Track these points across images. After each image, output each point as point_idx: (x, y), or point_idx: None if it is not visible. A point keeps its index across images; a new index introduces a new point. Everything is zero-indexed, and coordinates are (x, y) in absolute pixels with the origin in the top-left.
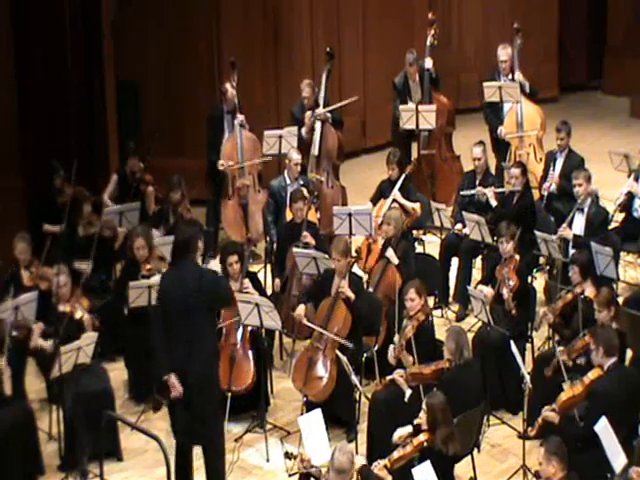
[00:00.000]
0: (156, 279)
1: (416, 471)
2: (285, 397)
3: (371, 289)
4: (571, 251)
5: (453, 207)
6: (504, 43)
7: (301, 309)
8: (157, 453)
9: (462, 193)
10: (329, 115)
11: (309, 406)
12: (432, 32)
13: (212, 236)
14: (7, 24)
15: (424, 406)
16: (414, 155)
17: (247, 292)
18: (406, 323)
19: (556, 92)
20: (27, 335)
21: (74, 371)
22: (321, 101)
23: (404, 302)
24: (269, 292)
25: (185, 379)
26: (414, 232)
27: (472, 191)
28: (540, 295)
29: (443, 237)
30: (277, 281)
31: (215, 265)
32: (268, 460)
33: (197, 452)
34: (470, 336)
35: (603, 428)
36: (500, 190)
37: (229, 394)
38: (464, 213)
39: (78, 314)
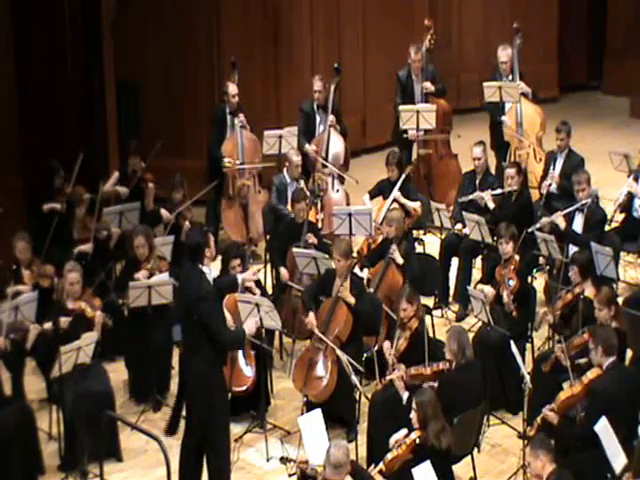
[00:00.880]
0: (156, 279)
1: (416, 471)
2: (285, 397)
3: (372, 289)
4: (571, 251)
5: (453, 207)
6: (504, 44)
7: (312, 317)
8: (157, 453)
9: (460, 200)
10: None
11: (309, 406)
12: (428, 37)
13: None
14: (7, 24)
15: (414, 405)
16: (414, 155)
17: (250, 286)
18: (398, 334)
19: (556, 92)
20: (24, 337)
21: (74, 371)
22: (329, 119)
23: (397, 312)
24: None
25: (185, 384)
26: (414, 232)
27: (470, 197)
28: (540, 295)
29: (443, 237)
30: (284, 269)
31: (215, 266)
32: (268, 460)
33: None
34: (470, 336)
35: (603, 428)
36: (498, 192)
37: (229, 394)
38: (464, 213)
39: (89, 312)
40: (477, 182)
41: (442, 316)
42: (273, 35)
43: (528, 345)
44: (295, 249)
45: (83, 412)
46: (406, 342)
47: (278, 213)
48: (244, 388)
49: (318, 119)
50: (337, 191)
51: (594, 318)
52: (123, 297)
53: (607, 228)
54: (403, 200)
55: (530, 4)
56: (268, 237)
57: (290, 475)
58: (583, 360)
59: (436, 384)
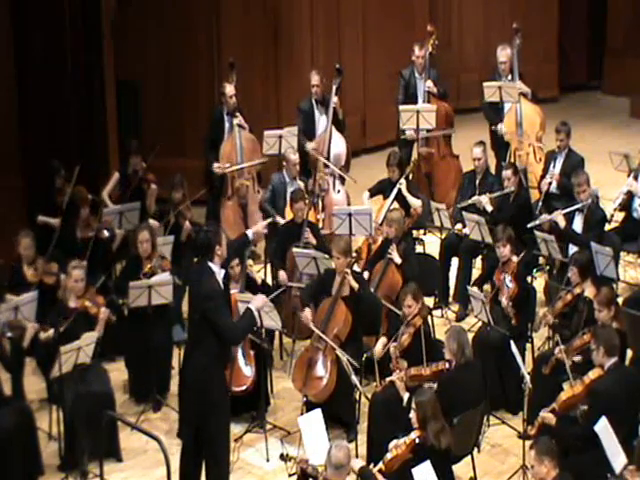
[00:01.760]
0: (156, 279)
1: (416, 471)
2: (285, 397)
3: (372, 289)
4: (571, 251)
5: (453, 207)
6: (503, 44)
7: (308, 312)
8: (157, 453)
9: (459, 206)
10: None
11: (309, 406)
12: (431, 42)
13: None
14: (7, 24)
15: (413, 405)
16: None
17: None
18: (402, 330)
19: (556, 92)
20: (22, 335)
21: (74, 371)
22: (330, 115)
23: (401, 307)
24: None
25: (184, 380)
26: (414, 232)
27: (468, 201)
28: (540, 295)
29: (443, 237)
30: (282, 272)
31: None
32: (268, 460)
33: None
34: (470, 336)
35: (603, 428)
36: (496, 194)
37: (229, 394)
38: (464, 213)
39: (93, 309)
40: (477, 182)
41: (442, 316)
42: (273, 35)
43: (528, 345)
44: (295, 249)
45: (83, 412)
46: (410, 338)
47: (266, 213)
48: (244, 388)
49: (317, 115)
50: (338, 191)
51: (594, 319)
52: (123, 297)
53: (607, 228)
54: (406, 193)
55: (530, 4)
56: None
57: (290, 475)
58: (577, 358)
59: (436, 385)
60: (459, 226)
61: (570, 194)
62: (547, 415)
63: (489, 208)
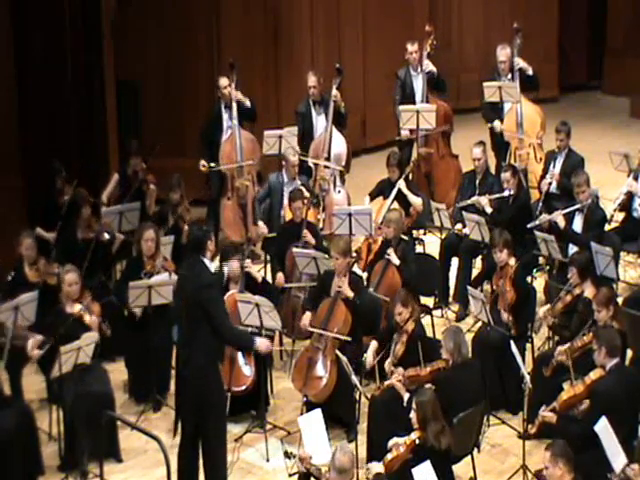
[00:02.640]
0: (156, 279)
1: (416, 471)
2: (285, 397)
3: (372, 290)
4: (571, 251)
5: (453, 207)
6: (503, 43)
7: (307, 317)
8: (157, 453)
9: (458, 205)
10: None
11: (309, 406)
12: (429, 42)
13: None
14: (7, 24)
15: (413, 405)
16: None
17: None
18: (396, 338)
19: (556, 92)
20: (24, 345)
21: (74, 371)
22: (330, 114)
23: (393, 317)
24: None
25: (184, 379)
26: (414, 232)
27: (468, 201)
28: (540, 295)
29: (443, 237)
30: (280, 274)
31: (213, 266)
32: (268, 460)
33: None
34: (470, 336)
35: (603, 428)
36: (496, 196)
37: (229, 394)
38: (464, 213)
39: (87, 318)
40: (477, 182)
41: (442, 316)
42: (273, 35)
43: (528, 345)
44: (295, 249)
45: (83, 412)
46: (404, 346)
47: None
48: (243, 388)
49: (315, 116)
50: (339, 192)
51: (594, 319)
52: (124, 301)
53: (607, 228)
54: (406, 191)
55: (530, 4)
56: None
57: (290, 475)
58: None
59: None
60: (459, 226)
61: (570, 194)
62: (548, 414)
63: (488, 210)
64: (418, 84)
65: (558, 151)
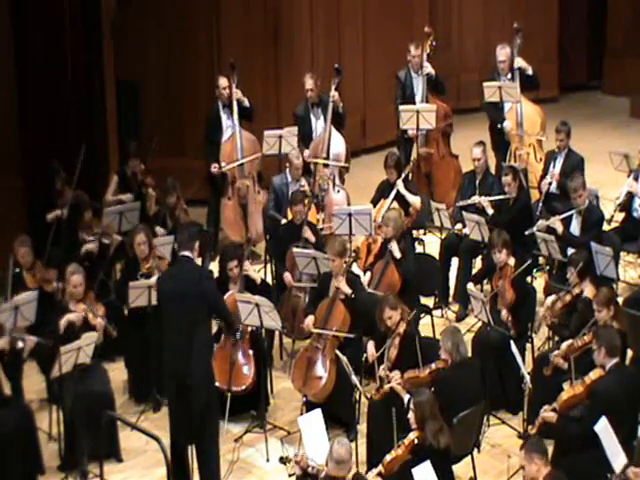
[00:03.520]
0: (155, 279)
1: (416, 471)
2: (285, 397)
3: (371, 289)
4: (570, 251)
5: (453, 207)
6: (503, 43)
7: (310, 320)
8: (157, 453)
9: (459, 204)
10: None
11: (309, 406)
12: (429, 43)
13: (212, 236)
14: (7, 24)
15: (411, 405)
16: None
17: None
18: (389, 343)
19: (556, 92)
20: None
21: (74, 371)
22: (329, 115)
23: (383, 323)
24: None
25: (184, 380)
26: (414, 232)
27: (468, 201)
28: (540, 295)
29: (443, 237)
30: (287, 274)
31: (214, 267)
32: (268, 460)
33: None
34: (470, 336)
35: (603, 428)
36: (496, 198)
37: (229, 394)
38: (464, 213)
39: (92, 319)
40: (477, 182)
41: (442, 316)
42: (273, 35)
43: (528, 345)
44: (295, 249)
45: (83, 412)
46: (396, 349)
47: (274, 221)
48: (243, 388)
49: (313, 119)
50: (338, 191)
51: (594, 319)
52: (124, 301)
53: (607, 228)
54: (404, 191)
55: (530, 4)
56: (268, 237)
57: (290, 475)
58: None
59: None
60: (459, 226)
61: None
62: (548, 414)
63: (490, 211)
64: (418, 85)
65: (558, 151)
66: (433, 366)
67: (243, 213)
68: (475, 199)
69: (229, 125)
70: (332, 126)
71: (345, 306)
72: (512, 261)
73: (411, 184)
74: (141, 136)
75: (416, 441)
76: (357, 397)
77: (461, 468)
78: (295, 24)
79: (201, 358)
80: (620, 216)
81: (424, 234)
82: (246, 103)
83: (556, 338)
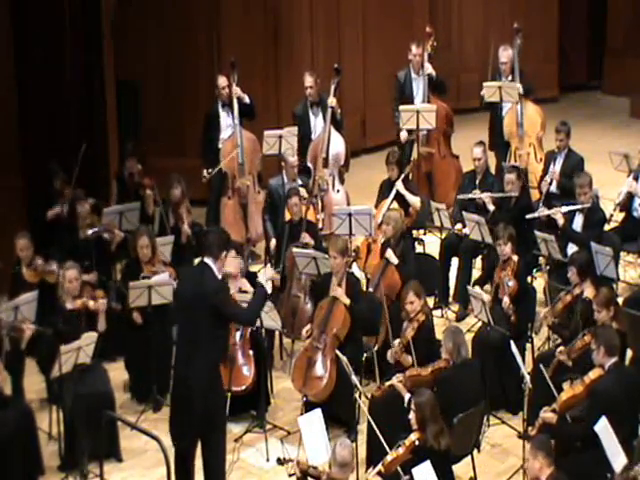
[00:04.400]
0: (156, 279)
1: (416, 471)
2: (285, 397)
3: (371, 289)
4: (570, 251)
5: (453, 207)
6: (504, 45)
7: (306, 330)
8: (157, 453)
9: (460, 197)
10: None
11: (309, 406)
12: (429, 43)
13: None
14: (7, 24)
15: (412, 406)
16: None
17: (246, 291)
18: (406, 325)
19: (556, 92)
20: (20, 337)
21: (74, 371)
22: (328, 115)
23: (404, 305)
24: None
25: (186, 382)
26: (414, 232)
27: (469, 195)
28: (540, 295)
29: (443, 237)
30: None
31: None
32: (268, 460)
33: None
34: (470, 336)
35: (603, 428)
36: (498, 195)
37: (229, 394)
38: (464, 213)
39: (92, 305)
40: (477, 182)
41: (442, 316)
42: (273, 35)
43: (528, 345)
44: (295, 249)
45: (83, 412)
46: (414, 332)
47: (265, 232)
48: (243, 388)
49: (312, 118)
50: (338, 191)
51: (593, 319)
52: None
53: (607, 228)
54: (404, 191)
55: (530, 4)
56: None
57: (290, 475)
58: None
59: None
60: (459, 226)
61: (570, 194)
62: (548, 415)
63: (491, 208)
64: (419, 86)
65: (558, 151)
66: (435, 365)
67: (243, 213)
68: (477, 193)
69: (229, 124)
70: (332, 126)
71: (345, 307)
72: (516, 257)
73: (411, 184)
74: (141, 136)
75: (417, 442)
76: (357, 397)
77: (461, 468)
78: (295, 24)
79: (207, 364)
80: (620, 216)
81: (424, 234)
82: (246, 100)
83: (556, 338)
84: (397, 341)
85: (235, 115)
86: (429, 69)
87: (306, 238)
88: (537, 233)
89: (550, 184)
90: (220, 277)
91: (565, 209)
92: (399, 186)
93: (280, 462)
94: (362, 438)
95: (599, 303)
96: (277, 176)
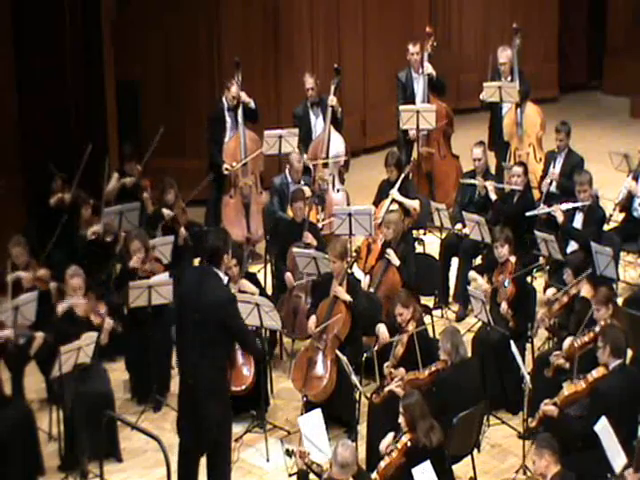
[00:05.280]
0: (155, 279)
1: (416, 471)
2: (285, 397)
3: (372, 289)
4: (569, 251)
5: (453, 207)
6: (503, 45)
7: (312, 321)
8: (157, 453)
9: (462, 180)
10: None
11: (309, 406)
12: (430, 43)
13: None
14: (7, 24)
15: (401, 409)
16: (414, 154)
17: (245, 291)
18: (396, 341)
19: (556, 92)
20: (29, 342)
21: (74, 371)
22: (328, 115)
23: (394, 318)
24: (269, 292)
25: (193, 389)
26: (414, 232)
27: (473, 180)
28: (540, 295)
29: (443, 237)
30: (288, 274)
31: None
32: (268, 460)
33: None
34: (470, 336)
35: (603, 428)
36: (501, 186)
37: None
38: (464, 213)
39: (97, 320)
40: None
41: (442, 316)
42: (273, 35)
43: (528, 345)
44: (295, 249)
45: (83, 412)
46: (403, 347)
47: (278, 220)
48: (243, 388)
49: (312, 118)
50: (338, 191)
51: (591, 318)
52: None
53: (607, 228)
54: (400, 198)
55: (530, 4)
56: (268, 238)
57: (290, 475)
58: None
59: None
60: (459, 226)
61: (570, 194)
62: (549, 407)
63: (493, 197)
64: (419, 86)
65: (558, 151)
66: (433, 367)
67: (245, 212)
68: (480, 180)
69: (232, 126)
70: (332, 126)
71: (346, 306)
72: (513, 259)
73: (410, 184)
74: (141, 136)
75: (409, 444)
76: (357, 397)
77: (461, 468)
78: (295, 24)
79: (213, 371)
80: (620, 216)
81: (424, 234)
82: (252, 105)
83: (556, 340)
84: (386, 365)
85: (240, 116)
86: (429, 69)
87: (308, 238)
88: (537, 233)
89: (550, 184)
90: (226, 282)
91: (565, 207)
92: (395, 195)
93: (288, 454)
94: (362, 438)
95: (598, 301)
96: (280, 175)
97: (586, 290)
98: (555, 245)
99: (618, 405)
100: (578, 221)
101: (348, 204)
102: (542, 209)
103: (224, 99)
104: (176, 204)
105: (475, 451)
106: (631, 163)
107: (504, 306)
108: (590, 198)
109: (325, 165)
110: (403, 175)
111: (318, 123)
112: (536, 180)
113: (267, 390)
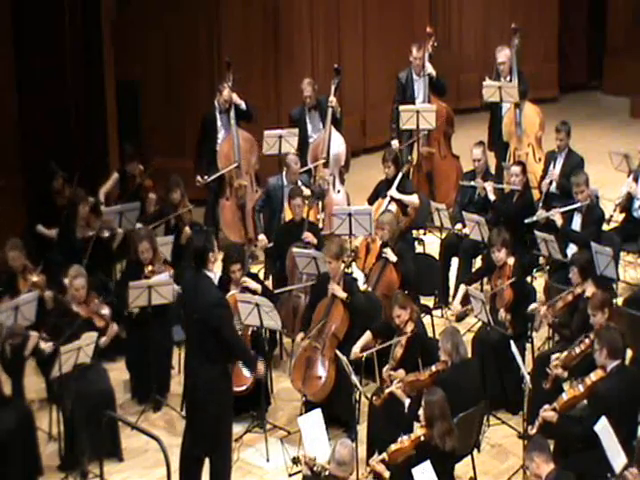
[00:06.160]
0: (156, 279)
1: (416, 471)
2: (285, 397)
3: (370, 288)
4: (569, 251)
5: (453, 207)
6: (502, 45)
7: (299, 337)
8: (157, 453)
9: (462, 183)
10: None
11: (309, 406)
12: (430, 43)
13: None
14: (7, 24)
15: (423, 402)
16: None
17: (248, 287)
18: (395, 343)
19: (556, 92)
20: (24, 343)
21: (74, 371)
22: (329, 116)
23: (392, 320)
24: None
25: (195, 391)
26: (414, 232)
27: (472, 182)
28: (540, 295)
29: (443, 237)
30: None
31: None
32: (268, 460)
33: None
34: (470, 336)
35: (603, 428)
36: (500, 186)
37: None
38: (464, 213)
39: (100, 322)
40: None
41: (442, 316)
42: (273, 35)
43: (528, 345)
44: (295, 249)
45: (83, 412)
46: (402, 349)
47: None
48: (243, 388)
49: (309, 122)
50: (338, 191)
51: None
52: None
53: (607, 228)
54: (399, 196)
55: (530, 4)
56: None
57: (290, 475)
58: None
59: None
60: (459, 226)
61: (570, 194)
62: (548, 414)
63: (492, 197)
64: (420, 87)
65: (558, 151)
66: (433, 368)
67: (241, 214)
68: (479, 182)
69: (226, 128)
70: (332, 127)
71: (344, 306)
72: (511, 260)
73: (408, 182)
74: (141, 136)
75: (422, 438)
76: (357, 397)
77: (461, 468)
78: (295, 24)
79: (208, 375)
80: (620, 216)
81: (424, 234)
82: (243, 106)
83: (557, 338)
84: (386, 367)
85: (232, 117)
86: (429, 69)
87: (308, 238)
88: (537, 233)
89: (550, 184)
90: (217, 282)
91: (563, 209)
92: (393, 193)
93: (294, 462)
94: (362, 438)
95: (593, 306)
96: (276, 175)
97: (590, 291)
98: (555, 245)
99: (618, 406)
100: (577, 222)
101: (348, 204)
102: (541, 215)
103: (216, 102)
104: (182, 203)
105: (475, 451)
106: (631, 163)
107: (502, 314)
108: (588, 198)
109: (325, 165)
110: (401, 174)
111: (314, 126)
112: (536, 180)
113: (267, 390)
